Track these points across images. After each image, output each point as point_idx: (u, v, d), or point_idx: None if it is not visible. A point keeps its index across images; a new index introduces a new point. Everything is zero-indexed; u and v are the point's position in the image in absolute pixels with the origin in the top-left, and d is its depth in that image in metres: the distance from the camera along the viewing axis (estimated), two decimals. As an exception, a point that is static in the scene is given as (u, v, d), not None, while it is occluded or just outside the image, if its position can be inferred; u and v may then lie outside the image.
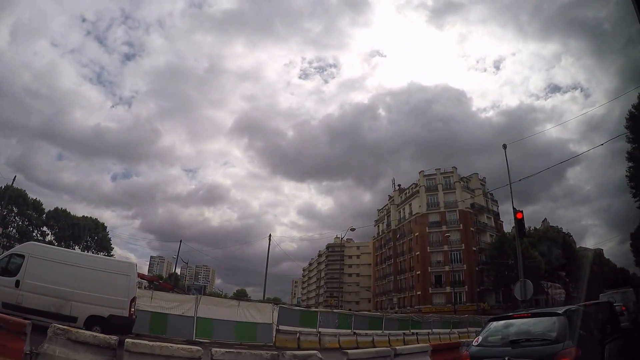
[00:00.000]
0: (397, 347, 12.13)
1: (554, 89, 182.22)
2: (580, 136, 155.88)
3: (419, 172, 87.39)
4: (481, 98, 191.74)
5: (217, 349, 8.11)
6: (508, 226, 74.56)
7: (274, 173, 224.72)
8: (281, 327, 21.85)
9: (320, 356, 9.17)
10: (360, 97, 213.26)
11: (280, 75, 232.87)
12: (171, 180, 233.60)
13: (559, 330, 7.31)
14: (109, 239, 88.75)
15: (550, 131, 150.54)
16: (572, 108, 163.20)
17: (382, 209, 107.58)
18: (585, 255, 67.42)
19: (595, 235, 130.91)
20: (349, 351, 10.59)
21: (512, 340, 7.70)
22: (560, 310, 7.94)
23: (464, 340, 18.90)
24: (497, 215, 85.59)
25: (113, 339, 7.84)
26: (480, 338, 8.50)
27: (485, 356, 7.79)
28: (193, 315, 19.79)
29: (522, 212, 23.29)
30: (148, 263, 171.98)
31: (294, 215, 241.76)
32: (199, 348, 7.99)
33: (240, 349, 9.77)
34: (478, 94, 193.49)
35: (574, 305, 8.87)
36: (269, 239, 58.33)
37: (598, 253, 76.84)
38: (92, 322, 13.59)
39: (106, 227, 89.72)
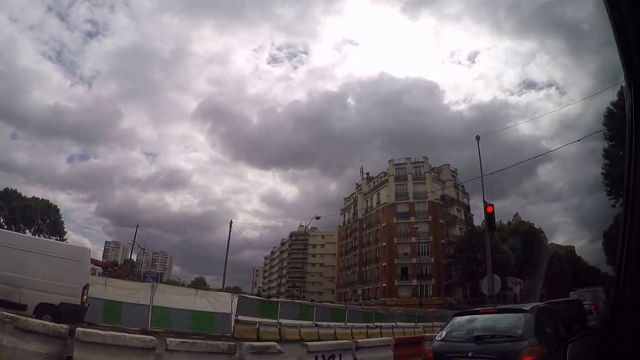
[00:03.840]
0: (359, 340, 12.52)
1: (529, 85, 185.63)
2: (554, 134, 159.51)
3: (389, 161, 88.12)
4: (454, 91, 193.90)
5: (172, 339, 8.23)
6: (478, 220, 76.22)
7: (237, 159, 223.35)
8: (240, 318, 21.89)
9: (279, 348, 9.35)
10: (330, 86, 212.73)
11: (248, 60, 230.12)
12: (131, 163, 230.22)
13: (525, 327, 7.48)
14: (62, 223, 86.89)
15: (523, 128, 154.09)
16: (546, 105, 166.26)
17: (349, 197, 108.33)
18: (549, 252, 69.69)
19: (566, 233, 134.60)
20: (309, 343, 10.79)
21: (477, 335, 7.80)
22: (527, 307, 8.18)
23: (429, 334, 19.34)
24: (467, 208, 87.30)
25: (63, 327, 7.81)
26: (444, 333, 8.65)
27: (448, 351, 7.95)
28: (148, 303, 19.78)
29: (492, 205, 23.89)
30: (103, 248, 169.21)
31: (257, 202, 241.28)
32: (153, 338, 8.05)
33: (197, 339, 9.84)
34: (451, 87, 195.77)
35: (541, 303, 9.18)
36: (230, 226, 58.26)
37: (569, 250, 79.50)
38: (43, 310, 13.44)
39: (59, 209, 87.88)
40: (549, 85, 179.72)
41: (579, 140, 41.83)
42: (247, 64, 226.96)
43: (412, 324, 35.31)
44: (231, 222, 59.06)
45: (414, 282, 72.52)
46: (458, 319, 9.11)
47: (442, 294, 70.74)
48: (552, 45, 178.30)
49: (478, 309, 10.41)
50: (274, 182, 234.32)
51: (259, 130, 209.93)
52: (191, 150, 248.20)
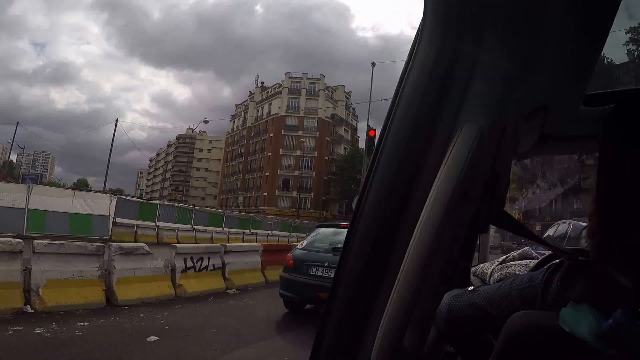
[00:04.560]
0: (227, 245, 13.16)
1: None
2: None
3: (285, 73, 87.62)
4: (364, 17, 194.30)
5: (39, 241, 8.21)
6: (363, 143, 79.30)
7: (131, 55, 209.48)
8: (118, 220, 22.01)
9: (148, 249, 9.64)
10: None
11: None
12: (16, 54, 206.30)
13: None
14: None
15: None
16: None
17: (240, 104, 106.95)
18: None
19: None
20: (177, 245, 11.27)
21: (335, 247, 8.54)
22: None
23: (298, 244, 20.56)
24: (355, 130, 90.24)
25: None
26: (305, 242, 9.56)
27: (307, 260, 8.77)
28: (24, 207, 19.05)
29: (375, 130, 25.18)
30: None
31: (147, 102, 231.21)
32: (20, 241, 7.94)
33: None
34: (362, 13, 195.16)
35: None
36: (115, 125, 55.60)
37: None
38: None
39: None
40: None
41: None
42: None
43: (288, 234, 37.13)
44: (117, 120, 56.24)
45: (294, 194, 75.05)
46: (322, 230, 9.98)
47: (319, 207, 74.13)
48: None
49: (340, 222, 11.44)
50: (167, 82, 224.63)
51: (158, 27, 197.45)
52: (83, 43, 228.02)
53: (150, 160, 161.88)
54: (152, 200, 49.79)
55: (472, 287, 1.30)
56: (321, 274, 8.40)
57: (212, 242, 23.23)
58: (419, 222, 0.80)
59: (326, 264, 8.31)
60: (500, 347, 0.89)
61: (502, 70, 0.87)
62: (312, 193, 76.05)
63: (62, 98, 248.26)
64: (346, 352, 0.91)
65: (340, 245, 8.53)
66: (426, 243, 0.79)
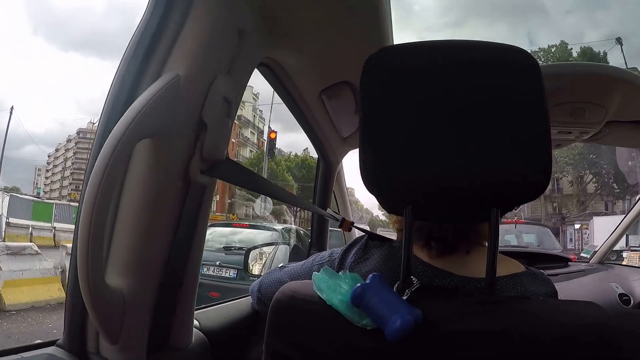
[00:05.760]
0: None
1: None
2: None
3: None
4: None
5: None
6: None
7: (35, 34, 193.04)
8: (11, 220, 20.74)
9: (37, 249, 9.13)
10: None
11: None
12: None
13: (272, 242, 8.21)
14: None
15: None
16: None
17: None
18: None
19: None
20: (68, 245, 10.28)
21: (227, 246, 8.49)
22: (278, 227, 9.25)
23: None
24: (261, 133, 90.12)
25: None
26: None
27: None
28: None
29: (275, 132, 25.67)
30: None
31: (48, 90, 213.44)
32: None
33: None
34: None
35: (292, 225, 10.49)
36: (10, 113, 51.71)
37: (349, 191, 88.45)
38: None
39: None
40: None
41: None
42: None
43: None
44: (12, 108, 51.88)
45: (199, 196, 72.79)
46: (217, 229, 9.78)
47: (225, 210, 73.37)
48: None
49: (232, 222, 11.78)
50: (70, 69, 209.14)
51: (66, 5, 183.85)
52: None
53: (49, 156, 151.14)
54: (50, 199, 46.73)
55: (282, 264, 1.34)
56: (212, 273, 8.25)
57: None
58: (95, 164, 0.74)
59: (217, 263, 8.23)
60: (267, 318, 0.88)
61: (211, 27, 0.94)
62: (218, 196, 75.05)
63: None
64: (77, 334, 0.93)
65: (233, 245, 8.62)
66: (94, 186, 0.74)
